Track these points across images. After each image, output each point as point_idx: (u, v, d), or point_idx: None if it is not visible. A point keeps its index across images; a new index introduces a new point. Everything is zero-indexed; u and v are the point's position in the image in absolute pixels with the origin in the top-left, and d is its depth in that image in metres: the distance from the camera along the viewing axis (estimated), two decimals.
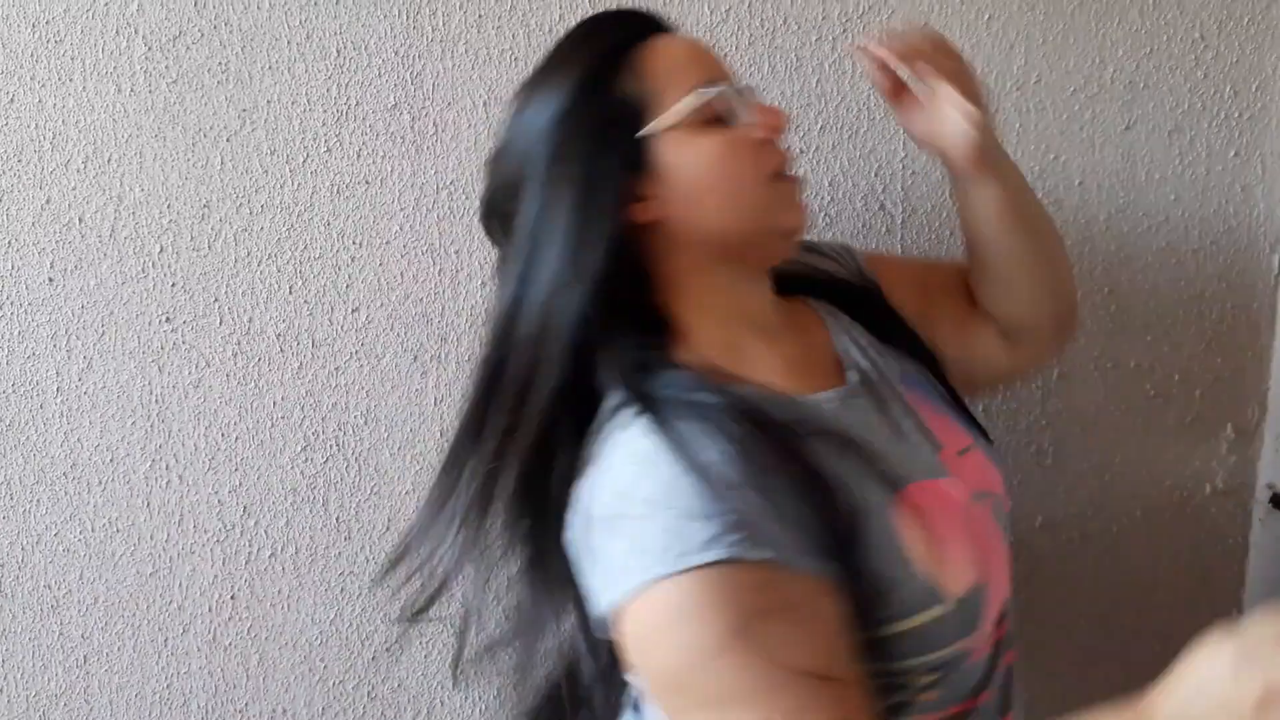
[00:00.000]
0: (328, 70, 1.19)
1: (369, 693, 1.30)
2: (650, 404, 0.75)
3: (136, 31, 1.17)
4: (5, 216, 1.18)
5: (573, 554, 0.78)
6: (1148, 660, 1.00)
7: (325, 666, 1.29)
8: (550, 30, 1.19)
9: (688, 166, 0.82)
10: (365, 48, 1.19)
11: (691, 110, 0.81)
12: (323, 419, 1.24)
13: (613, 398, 0.78)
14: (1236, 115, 1.22)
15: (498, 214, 0.90)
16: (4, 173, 1.17)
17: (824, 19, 1.19)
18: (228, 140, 1.19)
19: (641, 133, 0.81)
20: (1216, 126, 1.22)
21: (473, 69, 1.19)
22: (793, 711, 0.66)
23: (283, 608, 1.27)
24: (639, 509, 0.71)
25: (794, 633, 0.68)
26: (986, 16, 1.19)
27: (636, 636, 0.72)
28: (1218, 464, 1.27)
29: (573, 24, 1.15)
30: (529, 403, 0.79)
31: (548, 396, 0.78)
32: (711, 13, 1.19)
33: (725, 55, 0.93)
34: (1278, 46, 1.21)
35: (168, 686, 1.28)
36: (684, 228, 0.83)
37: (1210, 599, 1.31)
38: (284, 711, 1.29)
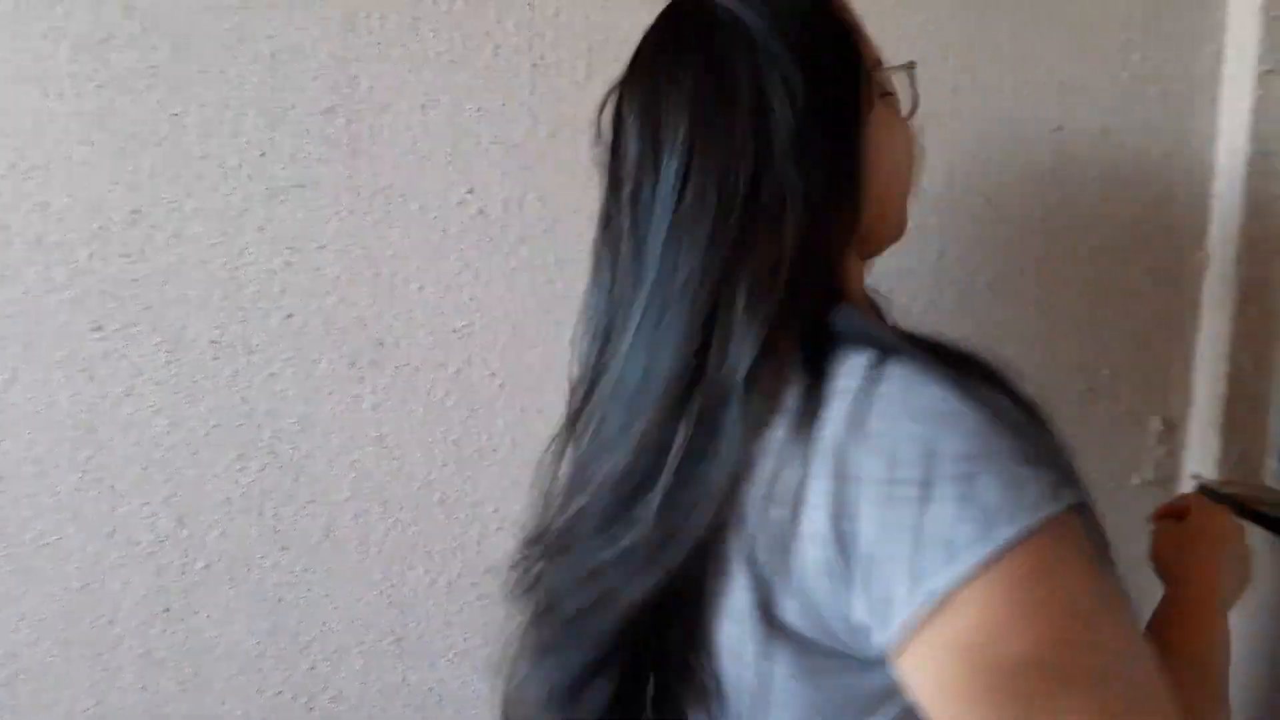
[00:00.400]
0: (260, 74, 1.17)
1: (307, 704, 1.27)
2: (906, 350, 0.64)
3: (64, 35, 1.15)
4: None
5: (801, 571, 0.63)
6: None
7: (263, 678, 1.26)
8: (486, 33, 1.18)
9: (890, 143, 0.76)
10: (300, 51, 1.18)
11: (899, 85, 0.77)
12: (258, 426, 1.22)
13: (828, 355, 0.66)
14: (1163, 116, 1.25)
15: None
16: None
17: None
18: (158, 145, 1.17)
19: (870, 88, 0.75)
20: (1144, 128, 1.25)
21: (409, 73, 1.19)
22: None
23: (218, 620, 1.25)
24: (959, 467, 0.58)
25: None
26: (921, 20, 1.21)
27: (988, 620, 0.57)
28: (1146, 456, 1.30)
29: (509, 28, 1.16)
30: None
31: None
32: None
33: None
34: (1201, 49, 1.24)
35: (99, 703, 1.25)
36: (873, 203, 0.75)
37: (1139, 588, 1.33)
38: None
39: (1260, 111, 1.20)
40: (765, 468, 0.64)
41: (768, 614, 0.63)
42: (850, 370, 0.64)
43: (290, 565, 1.25)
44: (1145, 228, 1.26)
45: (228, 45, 1.17)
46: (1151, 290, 1.27)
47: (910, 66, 0.81)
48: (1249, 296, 1.23)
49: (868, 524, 0.59)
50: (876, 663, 0.62)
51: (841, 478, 0.60)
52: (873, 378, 0.62)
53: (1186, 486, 1.29)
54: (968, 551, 0.56)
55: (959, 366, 0.63)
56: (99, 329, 1.19)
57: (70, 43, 1.15)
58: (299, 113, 1.18)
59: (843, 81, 0.73)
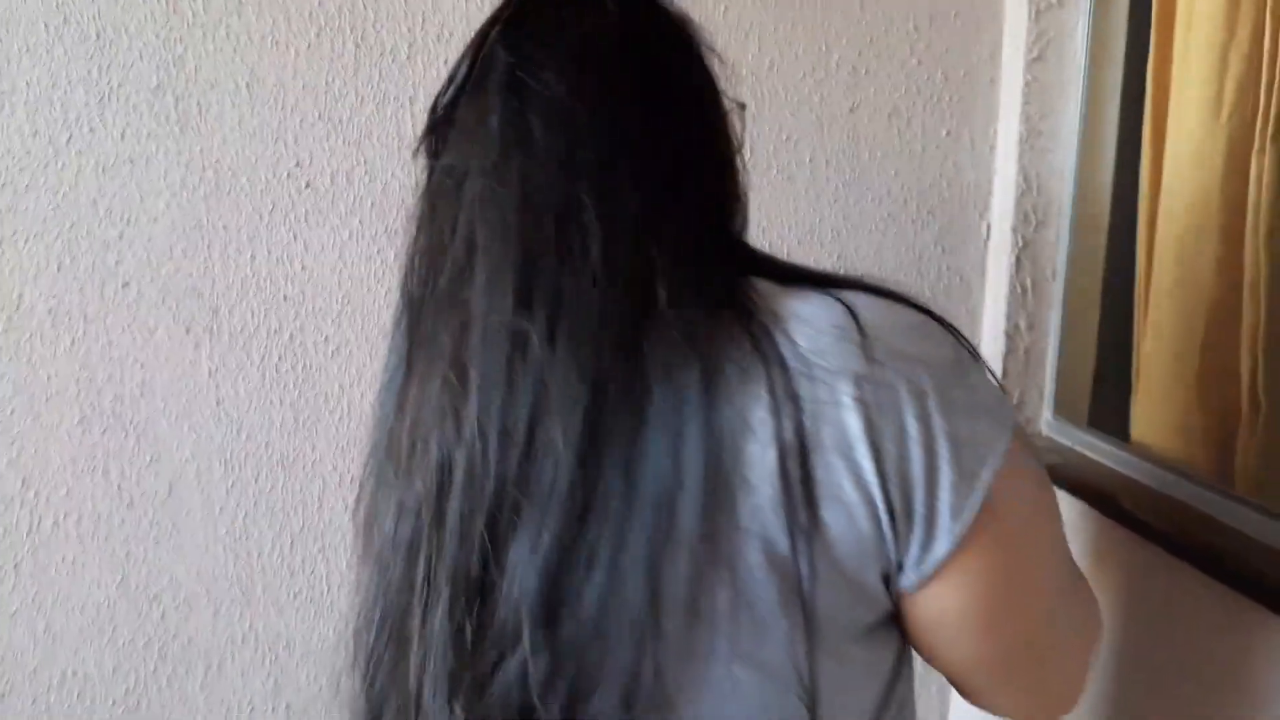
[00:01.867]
0: (88, 53, 1.22)
1: (160, 650, 1.35)
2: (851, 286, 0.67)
3: None
4: None
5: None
6: None
7: (115, 628, 1.34)
8: (309, 14, 1.24)
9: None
10: (125, 30, 1.22)
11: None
12: (98, 392, 1.28)
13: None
14: (947, 99, 1.35)
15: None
16: None
17: None
18: None
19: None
20: (930, 109, 1.35)
21: (234, 52, 1.24)
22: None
23: (67, 574, 1.31)
24: (958, 372, 0.63)
25: None
26: (724, 8, 1.29)
27: (1017, 506, 0.63)
28: None
29: (331, 9, 1.22)
30: None
31: None
32: None
33: None
34: (982, 37, 1.35)
35: None
36: None
37: None
38: (74, 673, 1.34)
39: (1028, 95, 1.31)
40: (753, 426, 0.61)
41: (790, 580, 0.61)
42: (816, 312, 0.63)
43: (136, 521, 1.32)
44: (933, 200, 1.37)
45: (53, 25, 1.20)
46: (940, 256, 1.39)
47: (741, 106, 0.78)
48: (1022, 263, 1.35)
49: (908, 447, 0.60)
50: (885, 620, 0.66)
51: (872, 423, 0.60)
52: (849, 314, 0.62)
53: None
54: (989, 454, 0.61)
55: (886, 294, 0.66)
56: None
57: None
58: (127, 90, 1.23)
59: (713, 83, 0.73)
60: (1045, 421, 1.38)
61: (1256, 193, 1.14)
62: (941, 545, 0.62)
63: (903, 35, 1.33)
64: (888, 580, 0.64)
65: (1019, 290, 1.36)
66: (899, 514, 0.61)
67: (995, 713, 0.77)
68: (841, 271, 0.71)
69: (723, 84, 0.74)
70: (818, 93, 1.33)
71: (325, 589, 1.37)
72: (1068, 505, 1.23)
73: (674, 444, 0.59)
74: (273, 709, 1.40)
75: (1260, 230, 1.14)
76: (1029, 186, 1.34)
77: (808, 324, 0.62)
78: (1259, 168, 1.13)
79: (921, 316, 0.66)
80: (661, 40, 0.69)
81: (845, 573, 0.61)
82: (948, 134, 1.36)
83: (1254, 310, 1.15)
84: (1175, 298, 1.23)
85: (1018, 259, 1.35)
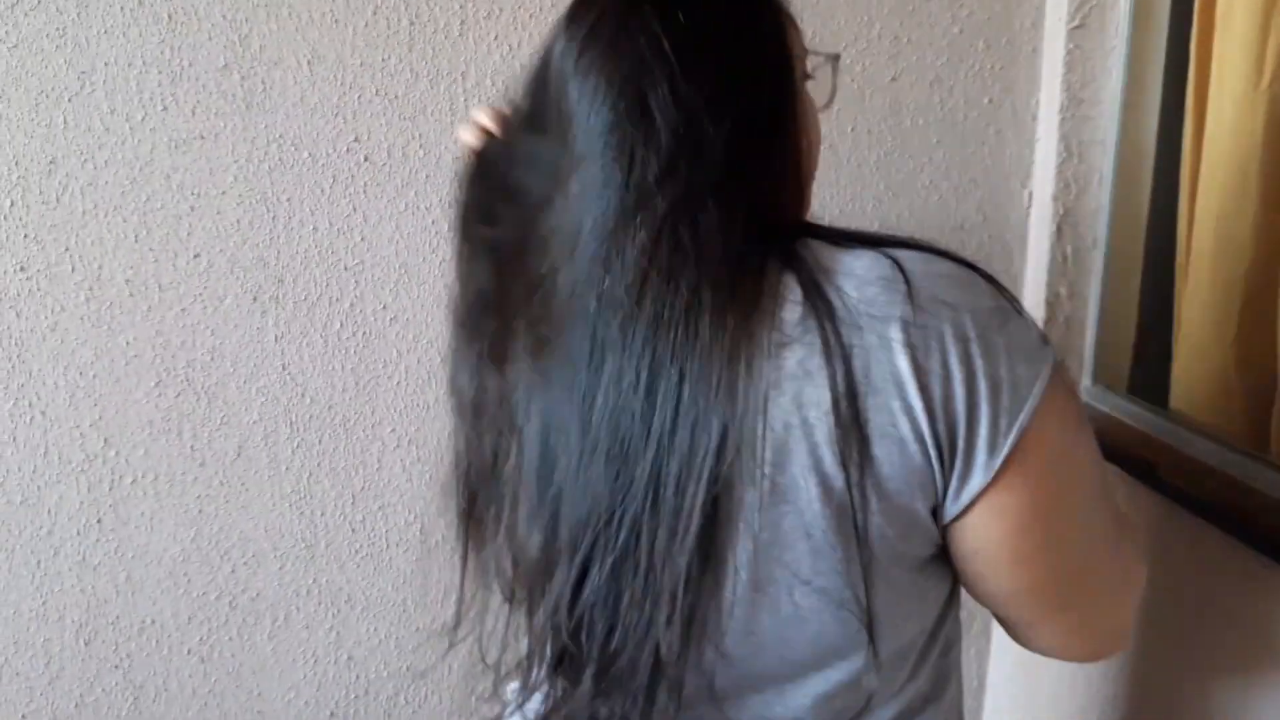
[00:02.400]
0: (160, 34, 1.28)
1: (230, 602, 1.43)
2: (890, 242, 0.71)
3: None
4: None
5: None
6: None
7: (189, 580, 1.42)
8: None
9: (806, 124, 0.79)
10: (195, 12, 1.28)
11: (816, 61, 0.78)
12: (172, 357, 1.35)
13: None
14: (989, 67, 1.37)
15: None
16: None
17: None
18: (69, 101, 1.28)
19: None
20: (971, 77, 1.37)
21: (296, 31, 1.30)
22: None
23: (146, 529, 1.40)
24: (999, 318, 0.67)
25: None
26: None
27: (1054, 443, 0.67)
28: None
29: None
30: None
31: None
32: None
33: None
34: (1024, 5, 1.36)
35: (44, 604, 1.40)
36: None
37: None
38: (153, 622, 1.43)
39: (1070, 63, 1.32)
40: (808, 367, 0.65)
41: (845, 510, 0.66)
42: (866, 266, 0.67)
43: (209, 480, 1.40)
44: (975, 168, 1.39)
45: (128, 8, 1.27)
46: (981, 225, 1.41)
47: (835, 58, 0.82)
48: (1063, 231, 1.36)
49: (952, 387, 0.64)
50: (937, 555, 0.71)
51: (920, 365, 0.64)
52: (895, 266, 0.66)
53: None
54: (1031, 387, 0.65)
55: (939, 252, 0.70)
56: (23, 270, 1.31)
57: None
58: (197, 69, 1.29)
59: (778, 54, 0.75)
60: (1085, 389, 1.40)
61: None
62: (977, 479, 0.66)
63: (944, 4, 1.35)
64: (935, 513, 0.68)
65: (1060, 258, 1.38)
66: (945, 449, 0.65)
67: (1038, 651, 0.81)
68: (889, 233, 0.73)
69: (799, 40, 0.77)
70: (859, 63, 1.35)
71: (385, 545, 1.44)
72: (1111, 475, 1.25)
73: (742, 387, 0.64)
74: (335, 660, 1.48)
75: None
76: (1070, 154, 1.35)
77: (857, 277, 0.66)
78: None
79: (965, 269, 0.69)
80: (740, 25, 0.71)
81: (897, 504, 0.66)
82: (989, 102, 1.38)
83: None
84: (1215, 265, 1.24)
85: (1059, 227, 1.36)
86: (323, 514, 1.42)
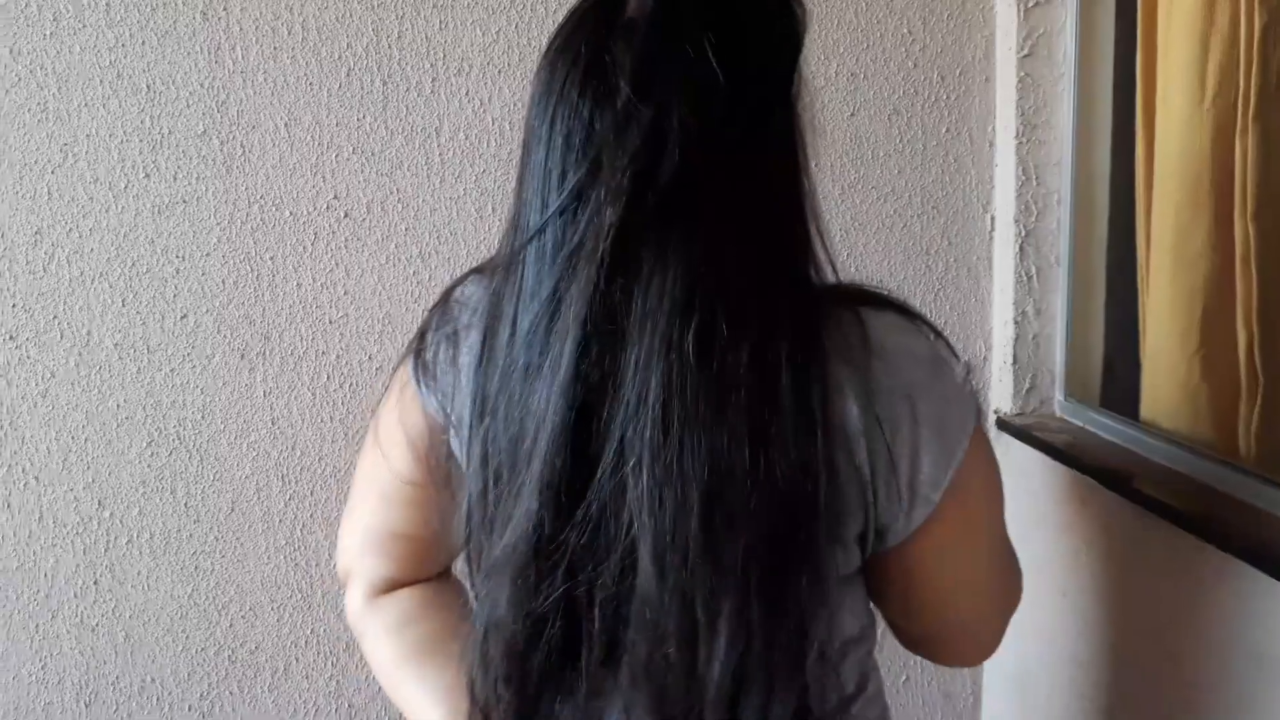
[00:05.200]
0: (140, 105, 1.32)
1: (229, 656, 1.45)
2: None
3: None
4: None
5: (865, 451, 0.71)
6: None
7: (187, 637, 1.43)
8: (339, 56, 1.33)
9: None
10: (173, 82, 1.32)
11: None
12: (163, 417, 1.38)
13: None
14: (945, 97, 1.42)
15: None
16: None
17: None
18: (53, 172, 1.32)
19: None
20: (928, 108, 1.41)
21: (272, 94, 1.34)
22: None
23: (143, 588, 1.41)
24: (937, 369, 0.74)
25: None
26: None
27: (983, 481, 0.77)
28: None
29: (359, 51, 1.32)
30: None
31: None
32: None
33: None
34: (975, 37, 1.41)
35: (42, 668, 1.41)
36: None
37: None
38: (153, 680, 1.44)
39: (1023, 91, 1.37)
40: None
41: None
42: (886, 326, 0.73)
43: (204, 536, 1.42)
44: (937, 195, 1.43)
45: (108, 80, 1.31)
46: (947, 249, 1.45)
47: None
48: (1026, 251, 1.40)
49: (899, 433, 0.71)
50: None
51: (865, 408, 0.71)
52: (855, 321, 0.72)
53: (990, 420, 1.48)
54: (966, 427, 0.74)
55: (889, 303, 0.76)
56: (12, 339, 1.34)
57: None
58: (177, 137, 1.33)
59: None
60: (1058, 403, 1.43)
61: (1242, 172, 1.19)
62: (918, 514, 0.74)
63: (898, 39, 1.40)
64: (861, 540, 0.75)
65: (1025, 278, 1.42)
66: (880, 486, 0.71)
67: (924, 652, 0.91)
68: (846, 281, 0.77)
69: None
70: (819, 99, 1.37)
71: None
72: (1081, 484, 1.28)
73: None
74: (335, 709, 1.49)
75: (1248, 208, 1.19)
76: (1028, 178, 1.39)
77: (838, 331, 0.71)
78: (1243, 147, 1.18)
79: (912, 322, 0.75)
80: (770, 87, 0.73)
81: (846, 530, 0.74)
82: (947, 131, 1.42)
83: (1246, 285, 1.20)
84: (1173, 277, 1.28)
85: (1021, 248, 1.41)
86: (317, 564, 1.44)
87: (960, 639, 0.88)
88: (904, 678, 1.56)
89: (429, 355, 0.81)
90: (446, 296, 0.83)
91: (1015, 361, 1.43)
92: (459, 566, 0.90)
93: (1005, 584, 0.86)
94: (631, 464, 0.66)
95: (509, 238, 0.74)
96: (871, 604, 0.84)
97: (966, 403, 0.75)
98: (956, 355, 0.77)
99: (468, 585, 0.84)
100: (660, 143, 0.66)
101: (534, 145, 0.71)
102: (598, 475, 0.67)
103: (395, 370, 0.86)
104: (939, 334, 0.76)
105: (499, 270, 0.75)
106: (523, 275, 0.71)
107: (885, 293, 0.76)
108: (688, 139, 0.66)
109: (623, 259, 0.66)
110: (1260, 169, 1.18)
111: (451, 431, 0.81)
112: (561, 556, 0.68)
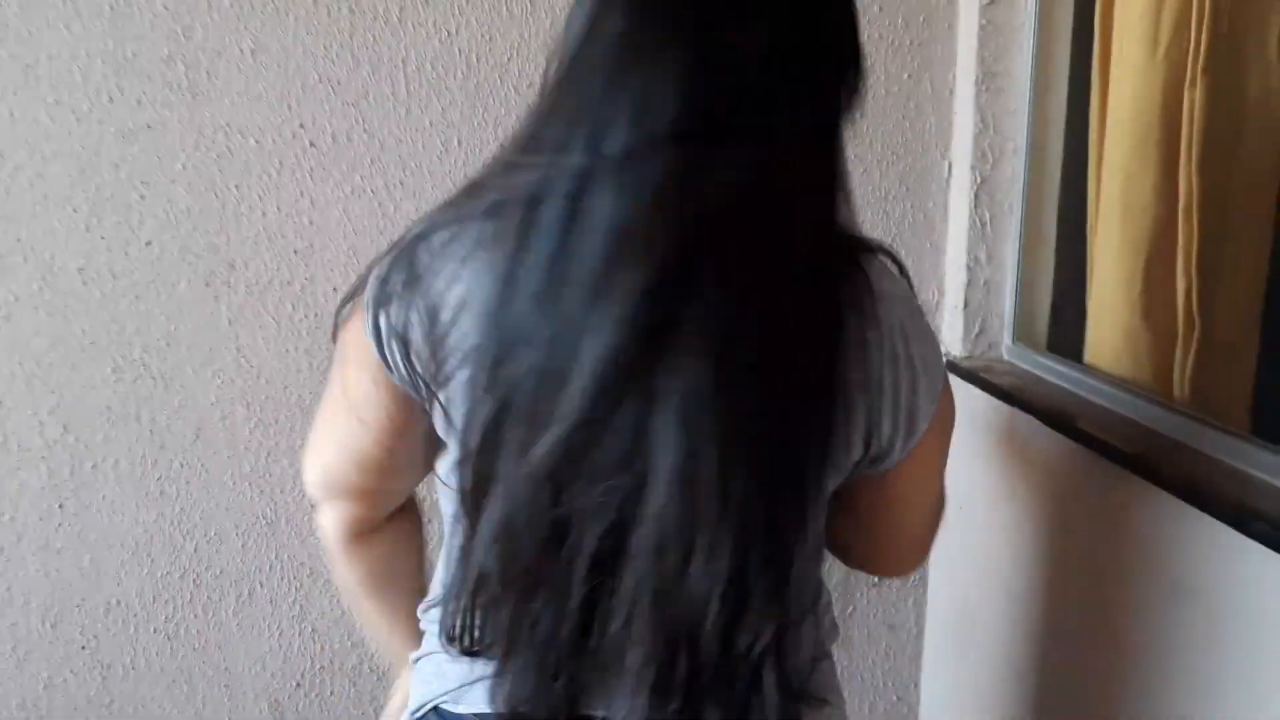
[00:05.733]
0: (103, 27, 1.31)
1: (194, 580, 1.47)
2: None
3: None
4: None
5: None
6: None
7: (152, 561, 1.46)
8: None
9: None
10: (136, 4, 1.31)
11: None
12: (128, 343, 1.38)
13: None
14: (907, 43, 1.44)
15: None
16: None
17: None
18: (14, 94, 1.31)
19: None
20: (892, 54, 1.44)
21: (238, 20, 1.33)
22: None
23: (108, 512, 1.43)
24: (916, 309, 0.80)
25: None
26: None
27: (947, 421, 0.84)
28: None
29: None
30: None
31: None
32: None
33: None
34: None
35: (8, 589, 1.43)
36: None
37: None
38: (118, 603, 1.46)
39: (983, 39, 1.39)
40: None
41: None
42: (878, 272, 0.77)
43: (169, 463, 1.43)
44: (896, 141, 1.46)
45: (71, 1, 1.29)
46: (904, 195, 1.48)
47: None
48: (981, 199, 1.44)
49: (899, 368, 0.77)
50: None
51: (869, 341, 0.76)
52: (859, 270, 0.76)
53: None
54: (941, 371, 0.81)
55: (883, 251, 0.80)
56: None
57: None
58: (141, 61, 1.32)
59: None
60: (1006, 347, 1.48)
61: (1189, 123, 1.23)
62: (912, 440, 0.80)
63: None
64: (855, 467, 0.81)
65: (979, 224, 1.45)
66: (890, 419, 0.77)
67: (855, 561, 0.97)
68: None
69: None
70: None
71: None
72: (1027, 425, 1.33)
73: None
74: (299, 632, 1.52)
75: (1193, 158, 1.23)
76: (986, 126, 1.42)
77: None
78: (1190, 100, 1.22)
79: (895, 268, 0.80)
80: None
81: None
82: (909, 78, 1.45)
83: (1188, 234, 1.24)
84: (1121, 225, 1.32)
85: (977, 195, 1.44)
86: (282, 491, 1.46)
87: (907, 552, 0.96)
88: (850, 609, 1.62)
89: (392, 294, 0.77)
90: (414, 247, 0.78)
91: (966, 306, 1.47)
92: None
93: (943, 499, 0.93)
94: (669, 400, 0.68)
95: (532, 155, 0.71)
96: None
97: (936, 339, 0.83)
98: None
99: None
100: (739, 75, 0.67)
101: (592, 47, 0.70)
102: (631, 404, 0.68)
103: (344, 311, 0.83)
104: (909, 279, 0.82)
105: (518, 199, 0.71)
106: (574, 198, 0.68)
107: (873, 239, 0.80)
108: (765, 77, 0.68)
109: (696, 194, 0.67)
110: (1206, 121, 1.22)
111: (419, 362, 0.77)
112: (584, 471, 0.69)
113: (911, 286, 0.81)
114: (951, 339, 1.50)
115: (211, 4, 1.32)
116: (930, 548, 0.96)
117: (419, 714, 0.86)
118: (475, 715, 0.82)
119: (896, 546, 0.94)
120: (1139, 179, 1.29)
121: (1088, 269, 1.41)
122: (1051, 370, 1.39)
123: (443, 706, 0.84)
